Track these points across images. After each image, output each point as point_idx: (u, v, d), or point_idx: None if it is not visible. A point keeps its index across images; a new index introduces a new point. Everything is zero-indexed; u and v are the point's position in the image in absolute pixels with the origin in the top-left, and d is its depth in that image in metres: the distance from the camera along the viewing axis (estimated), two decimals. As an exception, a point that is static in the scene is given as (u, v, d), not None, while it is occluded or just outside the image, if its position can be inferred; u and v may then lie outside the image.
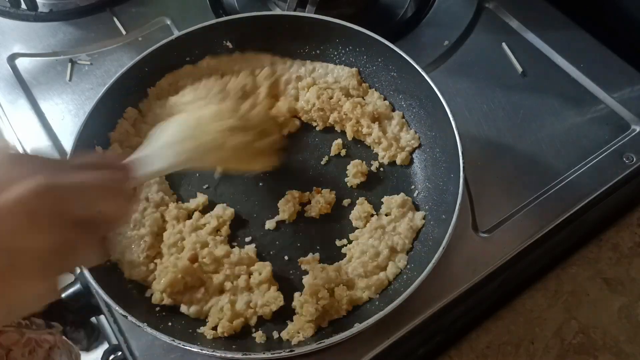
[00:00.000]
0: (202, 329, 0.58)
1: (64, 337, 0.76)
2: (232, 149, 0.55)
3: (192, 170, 0.69)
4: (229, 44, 0.74)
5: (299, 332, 0.57)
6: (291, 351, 0.53)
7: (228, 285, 0.60)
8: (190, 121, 0.55)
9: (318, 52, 0.74)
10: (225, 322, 0.57)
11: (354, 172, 0.68)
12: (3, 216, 0.31)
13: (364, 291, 0.59)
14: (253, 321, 0.59)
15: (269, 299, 0.59)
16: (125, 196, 0.41)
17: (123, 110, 0.69)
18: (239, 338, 0.58)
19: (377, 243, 0.61)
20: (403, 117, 0.71)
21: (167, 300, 0.59)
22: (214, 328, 0.58)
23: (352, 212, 0.65)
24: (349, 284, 0.60)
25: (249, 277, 0.61)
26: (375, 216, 0.65)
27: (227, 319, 0.57)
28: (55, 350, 0.75)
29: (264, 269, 0.61)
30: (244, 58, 0.73)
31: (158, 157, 0.50)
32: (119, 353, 0.61)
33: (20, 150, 0.74)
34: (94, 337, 0.68)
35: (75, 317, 0.65)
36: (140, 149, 0.51)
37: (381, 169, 0.69)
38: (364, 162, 0.69)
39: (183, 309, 0.59)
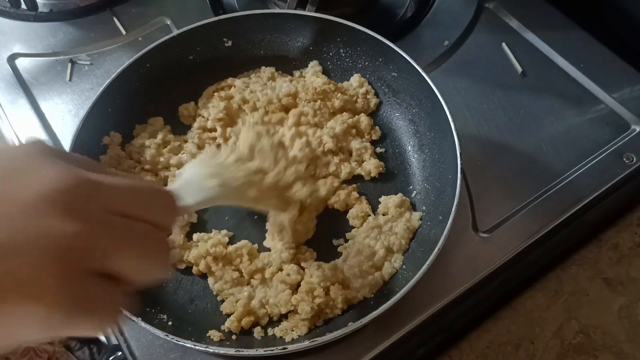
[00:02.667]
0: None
1: (63, 349, 0.76)
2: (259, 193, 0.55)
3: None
4: (229, 42, 0.74)
5: (293, 330, 0.57)
6: (284, 349, 0.53)
7: (257, 280, 0.60)
8: (215, 162, 0.54)
9: (317, 51, 0.75)
10: (234, 320, 0.57)
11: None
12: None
13: (359, 290, 0.59)
14: (264, 321, 0.59)
15: (281, 300, 0.58)
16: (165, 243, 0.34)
17: (123, 110, 0.69)
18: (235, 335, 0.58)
19: (373, 243, 0.61)
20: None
21: (201, 267, 0.60)
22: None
23: (349, 211, 0.65)
24: (344, 283, 0.60)
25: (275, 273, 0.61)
26: (372, 216, 0.65)
27: (237, 315, 0.57)
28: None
29: (292, 272, 0.60)
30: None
31: (193, 191, 0.48)
32: (119, 353, 0.61)
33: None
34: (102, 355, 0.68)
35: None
36: (172, 182, 0.48)
37: (380, 168, 0.69)
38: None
39: (210, 281, 0.60)
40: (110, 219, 0.29)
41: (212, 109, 0.70)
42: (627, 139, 0.71)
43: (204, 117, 0.71)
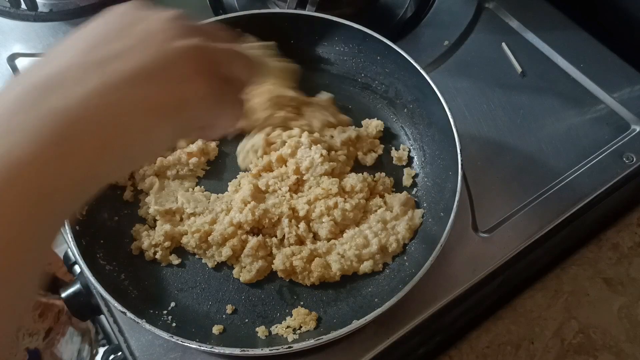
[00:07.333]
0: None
1: (66, 316, 0.78)
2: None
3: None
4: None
5: (295, 329, 0.57)
6: (289, 347, 0.53)
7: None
8: None
9: (316, 51, 0.74)
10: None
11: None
12: (162, 64, 0.35)
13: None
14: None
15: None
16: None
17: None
18: (239, 335, 0.58)
19: (371, 236, 0.62)
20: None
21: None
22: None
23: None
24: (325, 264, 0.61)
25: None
26: (383, 207, 0.64)
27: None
28: (64, 314, 0.76)
29: None
30: None
31: None
32: (119, 353, 0.61)
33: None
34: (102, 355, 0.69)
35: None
36: None
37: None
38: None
39: None
40: (216, 80, 0.38)
41: None
42: (627, 139, 0.71)
43: None
